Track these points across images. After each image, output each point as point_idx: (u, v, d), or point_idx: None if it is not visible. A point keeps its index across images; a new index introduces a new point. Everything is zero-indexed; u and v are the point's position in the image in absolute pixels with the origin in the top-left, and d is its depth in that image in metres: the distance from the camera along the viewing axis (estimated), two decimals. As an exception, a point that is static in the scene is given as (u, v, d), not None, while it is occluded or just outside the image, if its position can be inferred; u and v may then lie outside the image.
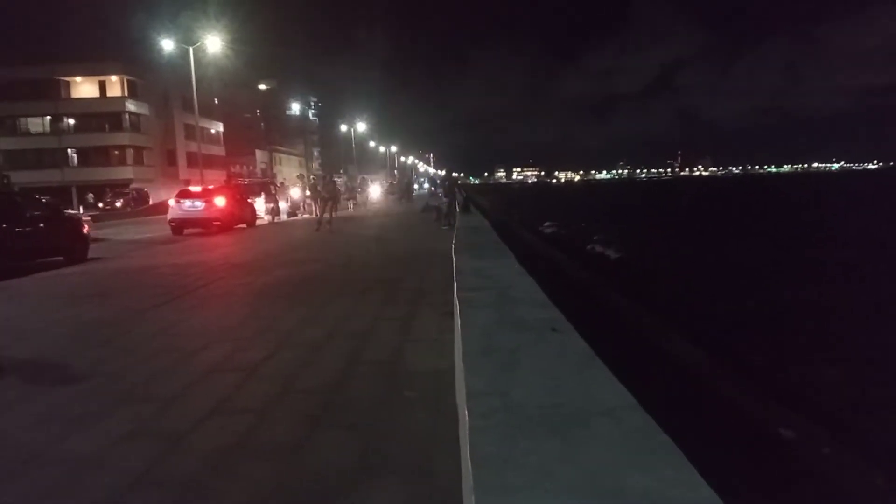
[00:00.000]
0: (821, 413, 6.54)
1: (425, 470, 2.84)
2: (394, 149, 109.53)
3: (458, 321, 3.53)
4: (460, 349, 2.94)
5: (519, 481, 1.61)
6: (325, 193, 20.27)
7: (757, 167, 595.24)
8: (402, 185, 51.55)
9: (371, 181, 52.11)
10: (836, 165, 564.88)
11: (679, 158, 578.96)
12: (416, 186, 52.46)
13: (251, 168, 75.15)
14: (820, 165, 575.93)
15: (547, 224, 36.43)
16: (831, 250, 21.75)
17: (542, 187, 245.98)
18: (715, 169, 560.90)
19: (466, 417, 2.07)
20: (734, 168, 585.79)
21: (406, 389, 3.93)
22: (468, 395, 2.25)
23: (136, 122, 55.90)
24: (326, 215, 19.21)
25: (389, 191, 53.59)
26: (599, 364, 2.56)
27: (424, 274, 8.96)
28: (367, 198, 39.02)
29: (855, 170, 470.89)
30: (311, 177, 29.32)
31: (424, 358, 4.63)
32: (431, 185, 59.33)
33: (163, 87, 55.98)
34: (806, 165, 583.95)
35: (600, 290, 12.82)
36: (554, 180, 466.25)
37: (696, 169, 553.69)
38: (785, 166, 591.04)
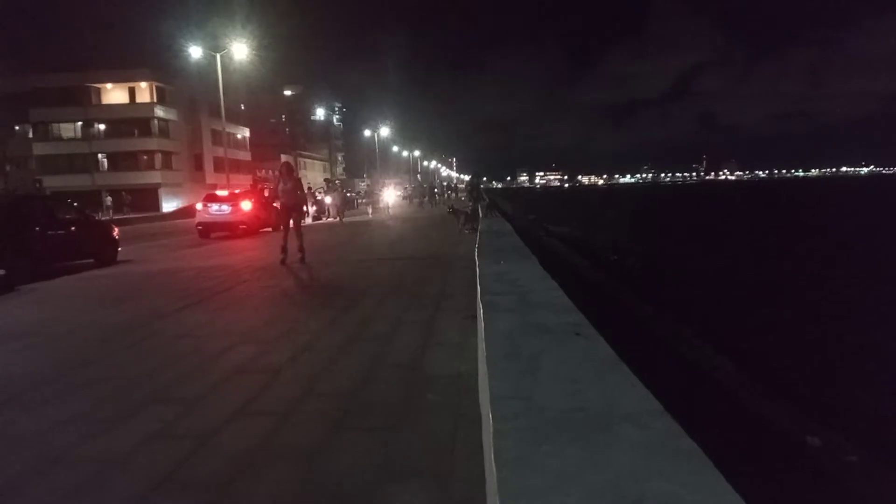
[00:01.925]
0: (850, 421, 6.41)
1: (447, 473, 2.85)
2: (417, 153, 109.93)
3: (481, 325, 3.54)
4: (483, 353, 2.95)
5: (541, 485, 1.61)
6: (286, 198, 11.81)
7: (784, 171, 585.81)
8: (422, 188, 51.53)
9: (392, 185, 52.03)
10: (864, 170, 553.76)
11: (704, 162, 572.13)
12: (435, 190, 52.28)
13: (277, 173, 75.79)
14: (848, 169, 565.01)
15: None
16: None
17: (558, 191, 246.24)
18: (741, 173, 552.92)
19: (490, 421, 2.08)
20: (760, 172, 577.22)
21: (429, 392, 3.95)
22: (492, 399, 2.26)
23: (165, 128, 56.93)
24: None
25: (413, 195, 53.33)
26: (624, 369, 2.55)
27: (447, 278, 8.97)
28: (386, 202, 39.14)
29: (885, 174, 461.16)
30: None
31: (447, 361, 4.65)
32: (442, 189, 59.76)
33: (190, 94, 56.97)
34: (834, 170, 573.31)
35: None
36: (567, 185, 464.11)
37: (721, 173, 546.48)
38: (812, 170, 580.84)
